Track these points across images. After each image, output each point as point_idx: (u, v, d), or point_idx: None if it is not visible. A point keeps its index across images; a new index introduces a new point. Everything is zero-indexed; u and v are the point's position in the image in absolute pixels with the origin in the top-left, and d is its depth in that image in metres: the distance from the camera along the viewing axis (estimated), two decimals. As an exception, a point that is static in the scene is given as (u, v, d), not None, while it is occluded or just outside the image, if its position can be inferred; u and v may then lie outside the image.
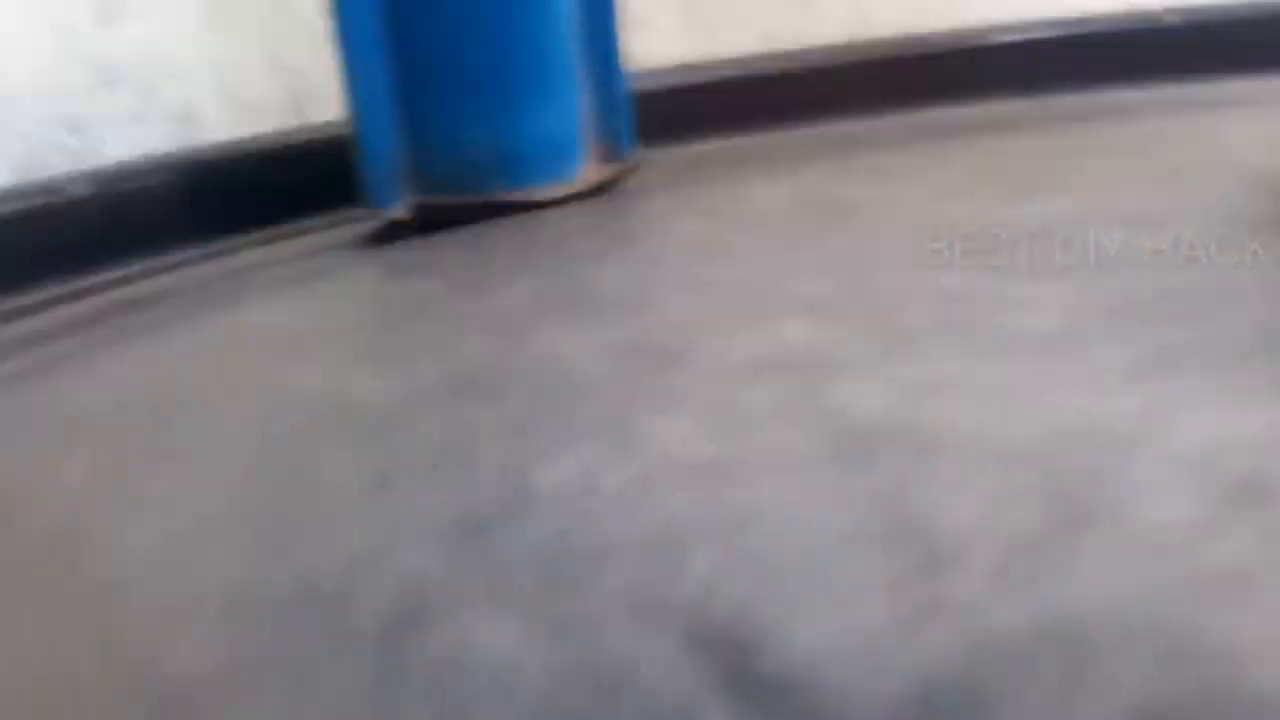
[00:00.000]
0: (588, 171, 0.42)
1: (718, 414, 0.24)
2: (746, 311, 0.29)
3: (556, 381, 0.26)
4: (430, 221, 0.40)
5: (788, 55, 0.60)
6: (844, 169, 0.42)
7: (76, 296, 0.38)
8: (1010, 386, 0.24)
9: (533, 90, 0.41)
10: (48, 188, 0.43)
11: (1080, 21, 0.59)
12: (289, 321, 0.32)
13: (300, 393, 0.27)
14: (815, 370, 0.25)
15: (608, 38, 0.43)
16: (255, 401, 0.27)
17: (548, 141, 0.41)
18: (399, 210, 0.40)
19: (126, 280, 0.39)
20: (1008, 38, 0.58)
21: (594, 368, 0.26)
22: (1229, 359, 0.23)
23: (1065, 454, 0.20)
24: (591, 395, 0.25)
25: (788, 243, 0.34)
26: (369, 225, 0.41)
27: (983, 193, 0.37)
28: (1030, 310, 0.27)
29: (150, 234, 0.42)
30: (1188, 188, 0.34)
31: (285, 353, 0.30)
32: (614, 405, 0.24)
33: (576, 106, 0.42)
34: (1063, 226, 0.32)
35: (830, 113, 0.55)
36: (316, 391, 0.27)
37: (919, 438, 0.22)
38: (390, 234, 0.39)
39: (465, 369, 0.27)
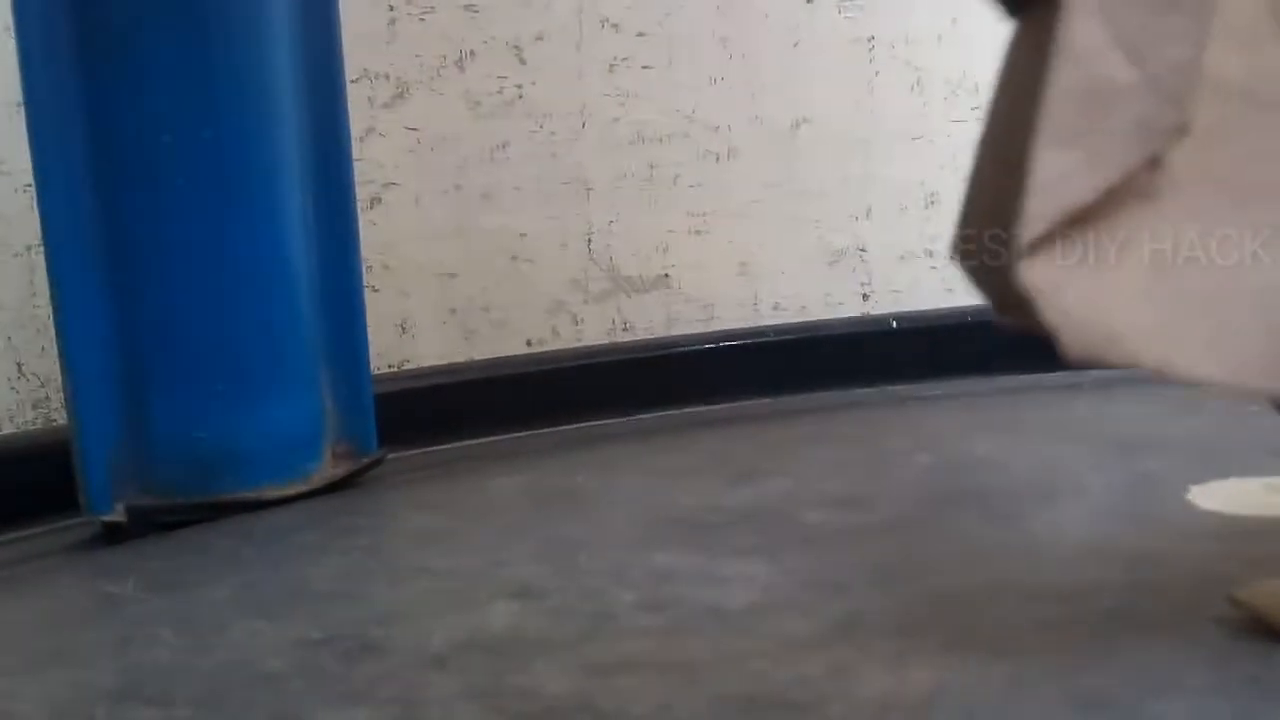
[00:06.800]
0: (325, 469, 0.42)
1: (403, 702, 0.23)
2: (456, 599, 0.29)
3: (238, 677, 0.25)
4: (152, 524, 0.38)
5: (545, 357, 0.61)
6: (580, 462, 0.43)
7: None
8: (701, 661, 0.24)
9: (267, 388, 0.40)
10: None
11: (818, 325, 0.64)
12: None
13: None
14: (513, 653, 0.25)
15: (353, 335, 0.43)
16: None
17: (282, 440, 0.41)
18: (116, 514, 0.38)
19: None
20: (750, 341, 0.61)
21: (281, 662, 0.25)
22: (904, 626, 0.24)
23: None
24: (272, 690, 0.24)
25: (512, 530, 0.34)
26: (87, 529, 0.39)
27: (706, 479, 0.38)
28: (731, 586, 0.27)
29: None
30: (891, 470, 0.36)
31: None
32: (293, 700, 0.23)
33: (316, 404, 0.42)
34: (775, 506, 0.33)
35: (588, 412, 0.56)
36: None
37: (595, 717, 0.21)
38: (109, 537, 0.37)
39: (143, 669, 0.25)
